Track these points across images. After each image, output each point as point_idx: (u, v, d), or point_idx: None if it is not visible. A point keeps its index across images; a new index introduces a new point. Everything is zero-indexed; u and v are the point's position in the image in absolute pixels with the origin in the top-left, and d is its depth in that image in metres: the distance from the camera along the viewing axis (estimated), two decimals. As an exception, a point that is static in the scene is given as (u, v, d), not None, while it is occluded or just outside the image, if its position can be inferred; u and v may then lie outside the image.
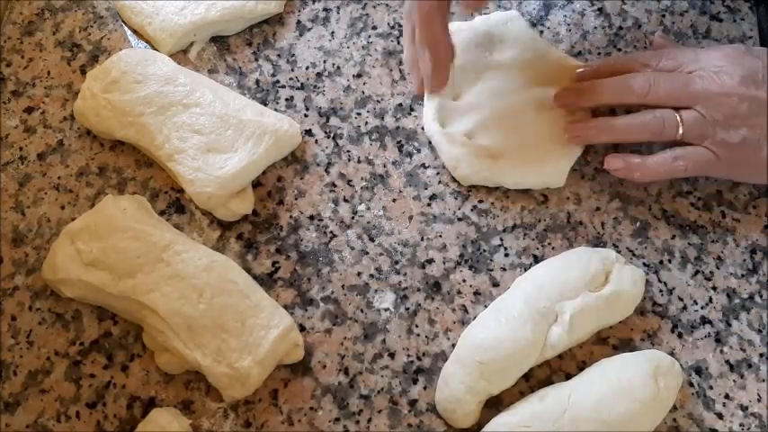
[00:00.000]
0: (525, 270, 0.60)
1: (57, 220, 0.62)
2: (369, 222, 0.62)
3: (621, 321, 0.58)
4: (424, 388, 0.57)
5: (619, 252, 0.60)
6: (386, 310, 0.59)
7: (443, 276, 0.60)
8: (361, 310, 0.59)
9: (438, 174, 0.64)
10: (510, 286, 0.58)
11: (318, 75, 0.68)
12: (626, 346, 0.58)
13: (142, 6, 0.68)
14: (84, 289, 0.57)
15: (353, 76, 0.68)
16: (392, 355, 0.58)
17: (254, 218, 0.63)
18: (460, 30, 0.67)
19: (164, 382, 0.57)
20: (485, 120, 0.64)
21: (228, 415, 0.56)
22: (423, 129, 0.65)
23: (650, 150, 0.61)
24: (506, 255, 0.61)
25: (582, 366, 0.57)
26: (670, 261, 0.61)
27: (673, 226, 0.62)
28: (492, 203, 0.63)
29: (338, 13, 0.71)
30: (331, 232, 0.62)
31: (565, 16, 0.71)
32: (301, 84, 0.68)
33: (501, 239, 0.62)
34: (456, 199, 0.63)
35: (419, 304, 0.59)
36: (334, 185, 0.64)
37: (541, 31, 0.70)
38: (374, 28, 0.70)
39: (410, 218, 0.62)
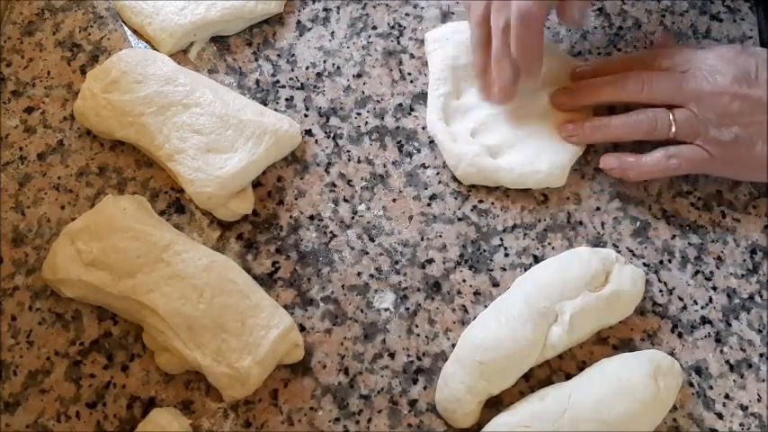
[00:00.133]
0: (525, 270, 0.60)
1: (57, 220, 0.62)
2: (369, 222, 0.62)
3: (621, 321, 0.58)
4: (424, 388, 0.57)
5: (619, 252, 0.61)
6: (386, 310, 0.59)
7: (443, 276, 0.60)
8: (361, 310, 0.59)
9: (438, 174, 0.64)
10: (510, 286, 0.58)
11: (318, 75, 0.68)
12: (626, 346, 0.58)
13: (142, 6, 0.68)
14: (84, 289, 0.57)
15: (353, 76, 0.68)
16: (392, 355, 0.58)
17: (254, 218, 0.63)
18: (457, 31, 0.67)
19: (164, 382, 0.57)
20: (486, 119, 0.64)
21: (228, 415, 0.56)
22: (423, 128, 0.65)
23: (649, 149, 0.61)
24: (506, 255, 0.61)
25: (582, 366, 0.57)
26: (670, 261, 0.61)
27: (673, 226, 0.62)
28: (492, 203, 0.63)
29: (338, 13, 0.71)
30: (331, 232, 0.62)
31: (565, 16, 0.70)
32: (301, 84, 0.68)
33: (501, 239, 0.62)
34: (456, 199, 0.63)
35: (419, 304, 0.59)
36: (334, 185, 0.64)
37: (541, 31, 0.70)
38: (374, 28, 0.70)
39: (410, 218, 0.62)
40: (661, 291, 0.60)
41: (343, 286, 0.60)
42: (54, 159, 0.65)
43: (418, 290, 0.60)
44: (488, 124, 0.64)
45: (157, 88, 0.63)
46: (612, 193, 0.63)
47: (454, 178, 0.64)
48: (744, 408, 0.56)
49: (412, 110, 0.66)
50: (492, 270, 0.61)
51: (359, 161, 0.65)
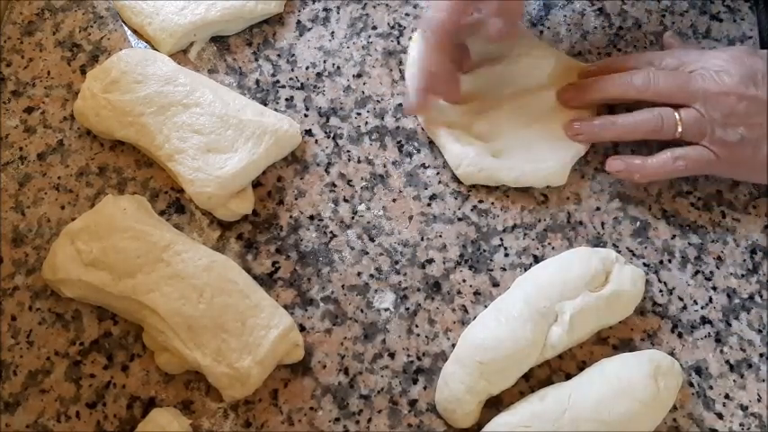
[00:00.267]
0: (525, 270, 0.60)
1: (57, 220, 0.62)
2: (369, 222, 0.62)
3: (621, 321, 0.58)
4: (424, 388, 0.57)
5: (619, 252, 0.61)
6: (386, 310, 0.59)
7: (443, 276, 0.60)
8: (361, 310, 0.59)
9: (438, 174, 0.64)
10: (510, 286, 0.58)
11: (318, 75, 0.68)
12: (626, 346, 0.58)
13: (142, 6, 0.68)
14: (84, 289, 0.57)
15: (353, 76, 0.68)
16: (392, 355, 0.58)
17: (254, 218, 0.63)
18: None
19: (164, 382, 0.57)
20: (487, 119, 0.64)
21: (228, 415, 0.56)
22: (423, 129, 0.65)
23: (651, 151, 0.61)
24: (506, 255, 0.61)
25: (582, 366, 0.57)
26: (670, 261, 0.61)
27: (673, 226, 0.62)
28: (492, 203, 0.63)
29: (338, 13, 0.71)
30: (331, 232, 0.62)
31: (565, 16, 0.71)
32: (301, 84, 0.68)
33: (501, 239, 0.62)
34: (456, 199, 0.63)
35: (419, 304, 0.59)
36: (334, 185, 0.64)
37: (541, 31, 0.70)
38: (374, 28, 0.70)
39: (410, 218, 0.62)
40: (661, 291, 0.60)
41: (343, 286, 0.60)
42: (54, 159, 0.65)
43: (418, 290, 0.60)
44: (489, 124, 0.64)
45: (157, 88, 0.63)
46: (612, 193, 0.63)
47: (454, 178, 0.63)
48: (744, 408, 0.56)
49: (412, 110, 0.66)
50: (492, 270, 0.61)
51: (359, 161, 0.65)
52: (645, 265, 0.61)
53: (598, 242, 0.61)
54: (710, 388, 0.57)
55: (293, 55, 0.69)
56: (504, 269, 0.61)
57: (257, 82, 0.68)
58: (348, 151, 0.65)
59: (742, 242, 0.61)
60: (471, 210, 0.63)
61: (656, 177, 0.61)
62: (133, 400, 0.56)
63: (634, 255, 0.61)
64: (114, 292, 0.56)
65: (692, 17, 0.70)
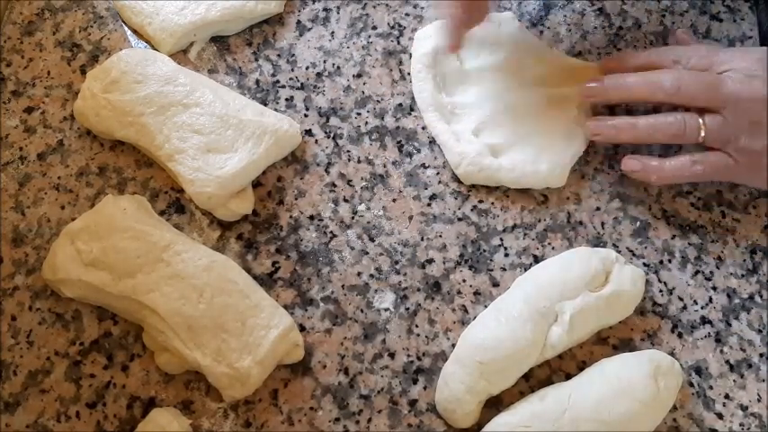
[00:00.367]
0: (525, 270, 0.60)
1: (57, 220, 0.62)
2: (369, 222, 0.62)
3: (621, 321, 0.58)
4: (424, 388, 0.57)
5: (619, 252, 0.61)
6: (386, 310, 0.59)
7: (443, 276, 0.60)
8: (361, 310, 0.59)
9: (438, 174, 0.64)
10: (510, 286, 0.58)
11: (318, 75, 0.68)
12: (626, 346, 0.58)
13: (142, 6, 0.68)
14: (84, 289, 0.57)
15: (353, 76, 0.68)
16: (392, 355, 0.58)
17: (254, 218, 0.63)
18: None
19: (164, 382, 0.57)
20: (486, 119, 0.64)
21: (228, 415, 0.56)
22: (423, 128, 0.65)
23: (652, 150, 0.61)
24: (506, 255, 0.61)
25: (582, 366, 0.57)
26: (670, 261, 0.61)
27: (673, 226, 0.62)
28: (492, 203, 0.63)
29: (338, 13, 0.71)
30: (331, 232, 0.62)
31: (565, 16, 0.71)
32: (301, 84, 0.68)
33: (501, 239, 0.62)
34: (456, 199, 0.63)
35: (419, 304, 0.59)
36: (334, 185, 0.64)
37: (541, 31, 0.70)
38: (374, 28, 0.70)
39: (410, 218, 0.62)
40: (661, 291, 0.60)
41: (343, 286, 0.60)
42: (54, 159, 0.65)
43: (418, 290, 0.60)
44: (490, 123, 0.64)
45: (157, 88, 0.63)
46: (612, 193, 0.63)
47: (454, 178, 0.63)
48: (744, 408, 0.56)
49: (412, 110, 0.66)
50: (492, 270, 0.61)
51: (359, 161, 0.65)
52: (645, 265, 0.61)
53: (598, 242, 0.61)
54: (710, 388, 0.57)
55: (293, 55, 0.69)
56: (504, 269, 0.61)
57: (257, 82, 0.68)
58: (348, 151, 0.65)
59: (742, 242, 0.61)
60: (471, 210, 0.63)
61: (673, 180, 0.60)
62: (133, 400, 0.56)
63: (634, 255, 0.61)
64: (114, 292, 0.56)
65: (692, 17, 0.70)
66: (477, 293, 0.60)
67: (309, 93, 0.67)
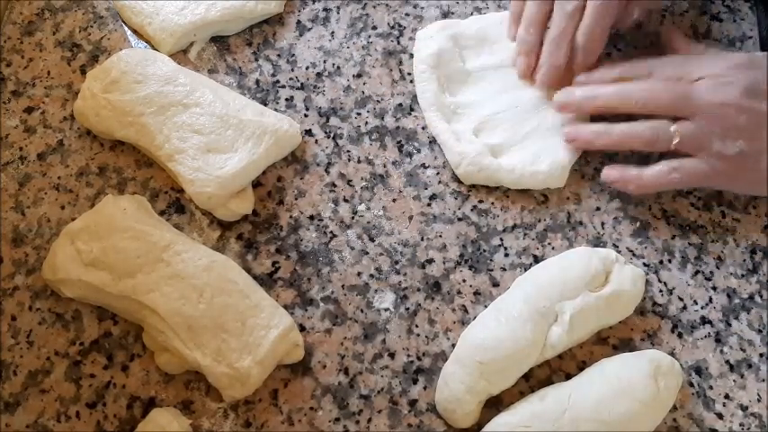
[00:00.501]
0: (525, 270, 0.60)
1: (57, 220, 0.62)
2: (369, 222, 0.62)
3: (621, 321, 0.58)
4: (424, 388, 0.57)
5: (619, 252, 0.61)
6: (386, 310, 0.59)
7: (443, 276, 0.60)
8: (361, 310, 0.59)
9: (438, 174, 0.64)
10: (510, 286, 0.58)
11: (318, 75, 0.68)
12: (626, 346, 0.58)
13: (142, 6, 0.68)
14: (84, 289, 0.57)
15: (353, 76, 0.68)
16: (392, 355, 0.58)
17: (254, 218, 0.63)
18: (445, 27, 0.67)
19: (164, 382, 0.57)
20: (487, 119, 0.64)
21: (228, 415, 0.56)
22: (423, 128, 0.65)
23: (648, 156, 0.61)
24: (506, 255, 0.61)
25: (582, 366, 0.57)
26: (670, 261, 0.61)
27: (673, 226, 0.62)
28: (492, 203, 0.63)
29: (338, 13, 0.71)
30: (331, 232, 0.62)
31: (565, 16, 0.70)
32: (301, 84, 0.68)
33: (501, 239, 0.62)
34: (456, 199, 0.63)
35: (419, 304, 0.59)
36: (334, 185, 0.64)
37: (541, 31, 0.70)
38: (374, 28, 0.70)
39: (410, 218, 0.62)
40: (661, 291, 0.60)
41: (343, 286, 0.60)
42: (54, 159, 0.65)
43: (418, 290, 0.60)
44: (490, 123, 0.64)
45: (157, 88, 0.63)
46: (612, 193, 0.63)
47: (454, 178, 0.64)
48: (744, 408, 0.56)
49: (412, 110, 0.66)
50: (492, 270, 0.61)
51: (359, 161, 0.65)
52: (645, 265, 0.61)
53: (598, 242, 0.61)
54: (710, 388, 0.57)
55: (293, 55, 0.69)
56: (504, 269, 0.61)
57: (257, 82, 0.68)
58: (348, 151, 0.65)
59: (742, 242, 0.61)
60: (471, 210, 0.63)
61: (651, 189, 0.60)
62: (133, 400, 0.56)
63: (634, 255, 0.61)
64: (114, 292, 0.56)
65: (692, 17, 0.70)
66: (477, 293, 0.60)
67: (309, 93, 0.67)
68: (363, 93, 0.67)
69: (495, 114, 0.64)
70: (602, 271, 0.57)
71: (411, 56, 0.68)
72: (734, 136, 0.57)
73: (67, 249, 0.58)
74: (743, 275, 0.60)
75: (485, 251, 0.61)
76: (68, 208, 0.63)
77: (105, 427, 0.55)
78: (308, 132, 0.66)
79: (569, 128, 0.62)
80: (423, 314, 0.59)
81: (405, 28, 0.70)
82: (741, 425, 0.55)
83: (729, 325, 0.59)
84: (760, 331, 0.58)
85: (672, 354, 0.57)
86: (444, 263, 0.61)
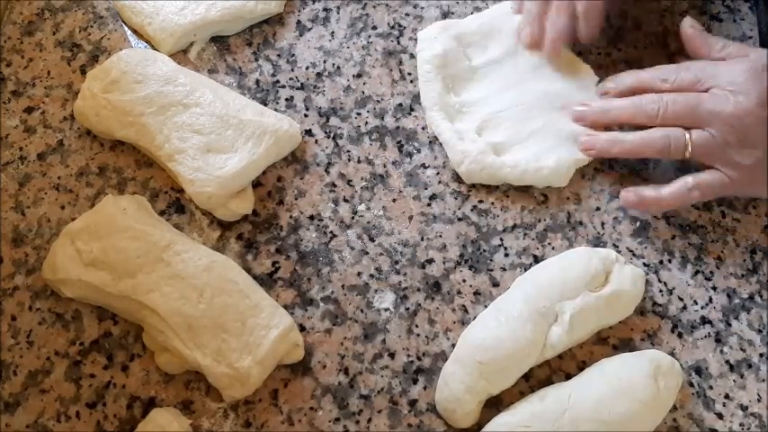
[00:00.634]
0: (525, 270, 0.60)
1: (57, 220, 0.62)
2: (369, 222, 0.62)
3: (621, 321, 0.58)
4: (424, 388, 0.57)
5: (619, 252, 0.60)
6: (386, 310, 0.59)
7: (443, 276, 0.60)
8: (361, 310, 0.59)
9: (438, 174, 0.64)
10: (510, 286, 0.58)
11: (318, 75, 0.68)
12: (626, 346, 0.58)
13: (142, 6, 0.68)
14: (84, 289, 0.57)
15: (353, 76, 0.68)
16: (392, 355, 0.58)
17: (254, 218, 0.63)
18: (447, 28, 0.67)
19: (164, 382, 0.57)
20: (490, 116, 0.64)
21: (228, 415, 0.56)
22: (423, 128, 0.65)
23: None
24: (506, 255, 0.61)
25: (582, 366, 0.57)
26: (670, 261, 0.61)
27: (673, 226, 0.62)
28: (492, 203, 0.63)
29: (338, 13, 0.71)
30: (331, 232, 0.62)
31: (565, 16, 0.70)
32: (301, 84, 0.68)
33: (501, 239, 0.62)
34: (456, 199, 0.63)
35: (419, 304, 0.59)
36: (334, 185, 0.64)
37: (541, 31, 0.70)
38: (374, 28, 0.70)
39: (410, 218, 0.62)
40: (661, 291, 0.60)
41: (343, 286, 0.60)
42: (54, 159, 0.65)
43: (418, 290, 0.60)
44: (494, 121, 0.64)
45: (157, 88, 0.63)
46: (612, 193, 0.63)
47: (454, 178, 0.63)
48: (744, 408, 0.56)
49: (412, 110, 0.66)
50: (492, 270, 0.60)
51: (359, 161, 0.65)
52: (645, 265, 0.61)
53: (598, 242, 0.61)
54: (710, 388, 0.57)
55: (293, 55, 0.69)
56: (504, 269, 0.61)
57: (257, 82, 0.68)
58: (348, 151, 0.65)
59: (742, 242, 0.61)
60: (471, 210, 0.63)
61: (671, 208, 0.61)
62: (133, 400, 0.56)
63: (634, 255, 0.61)
64: (114, 292, 0.56)
65: (692, 17, 0.70)
66: (477, 293, 0.60)
67: (309, 93, 0.67)
68: (363, 93, 0.67)
69: (499, 112, 0.64)
70: (602, 271, 0.57)
71: (411, 56, 0.68)
72: (750, 145, 0.57)
73: (67, 249, 0.58)
74: (743, 275, 0.60)
75: (485, 251, 0.61)
76: (68, 208, 0.63)
77: (105, 427, 0.55)
78: (308, 132, 0.66)
79: (586, 137, 0.63)
80: (423, 314, 0.59)
81: (405, 28, 0.70)
82: (741, 425, 0.55)
83: (729, 325, 0.59)
84: (760, 331, 0.58)
85: (672, 354, 0.57)
86: (444, 263, 0.61)
